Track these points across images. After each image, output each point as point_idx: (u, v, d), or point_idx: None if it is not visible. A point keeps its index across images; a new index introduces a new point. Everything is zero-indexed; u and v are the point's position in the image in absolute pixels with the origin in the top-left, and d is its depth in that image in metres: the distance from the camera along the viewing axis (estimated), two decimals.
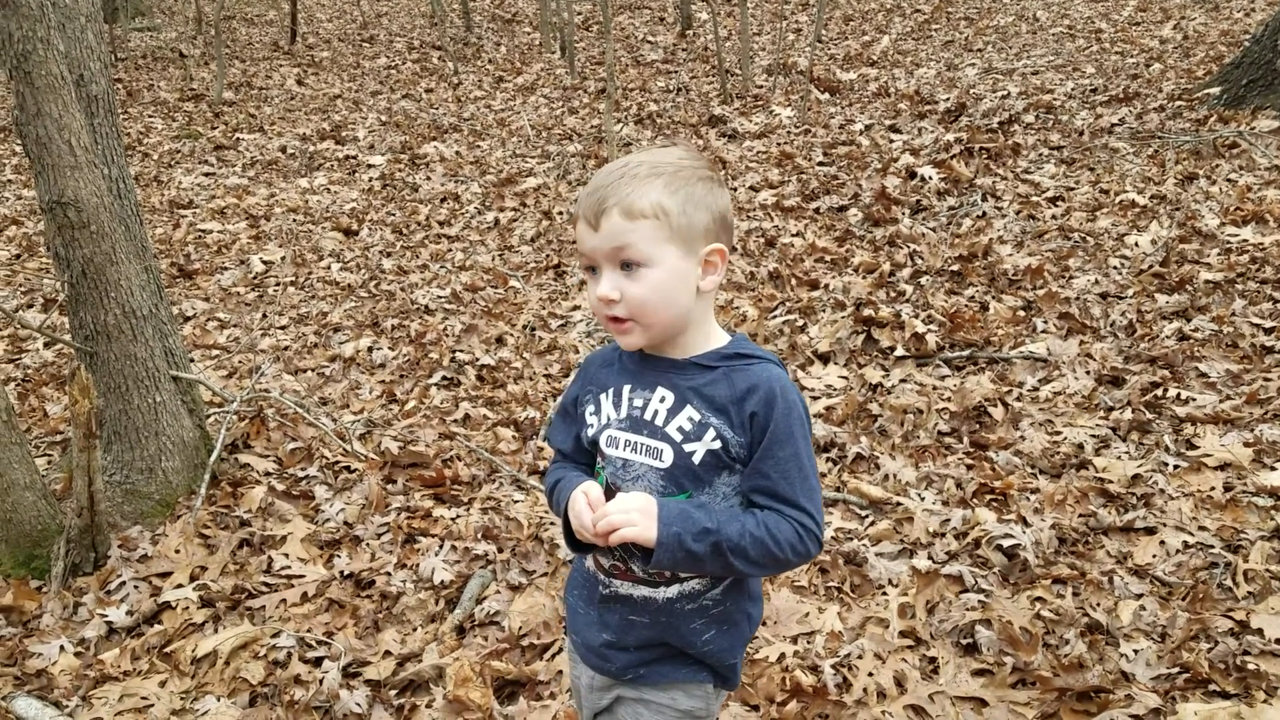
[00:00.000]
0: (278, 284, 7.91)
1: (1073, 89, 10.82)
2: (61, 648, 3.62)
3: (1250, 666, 3.12)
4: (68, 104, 3.85)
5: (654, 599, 1.98)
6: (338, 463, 4.85)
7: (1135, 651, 3.26)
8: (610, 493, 1.92)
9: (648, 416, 1.91)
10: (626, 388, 1.96)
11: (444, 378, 5.90)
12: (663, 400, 1.90)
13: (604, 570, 2.02)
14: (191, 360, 5.00)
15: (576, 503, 1.86)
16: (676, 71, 14.86)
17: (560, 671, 3.40)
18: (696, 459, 1.87)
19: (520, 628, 3.63)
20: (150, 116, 13.96)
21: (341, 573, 4.03)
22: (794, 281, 6.70)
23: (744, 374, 1.88)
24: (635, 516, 1.79)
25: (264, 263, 8.35)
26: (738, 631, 2.04)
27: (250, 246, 8.83)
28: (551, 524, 4.28)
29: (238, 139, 12.76)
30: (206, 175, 11.24)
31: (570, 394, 2.11)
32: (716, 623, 2.01)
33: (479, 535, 4.22)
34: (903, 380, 5.30)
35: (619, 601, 2.02)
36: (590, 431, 2.00)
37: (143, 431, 4.30)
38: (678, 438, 1.88)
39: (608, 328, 1.89)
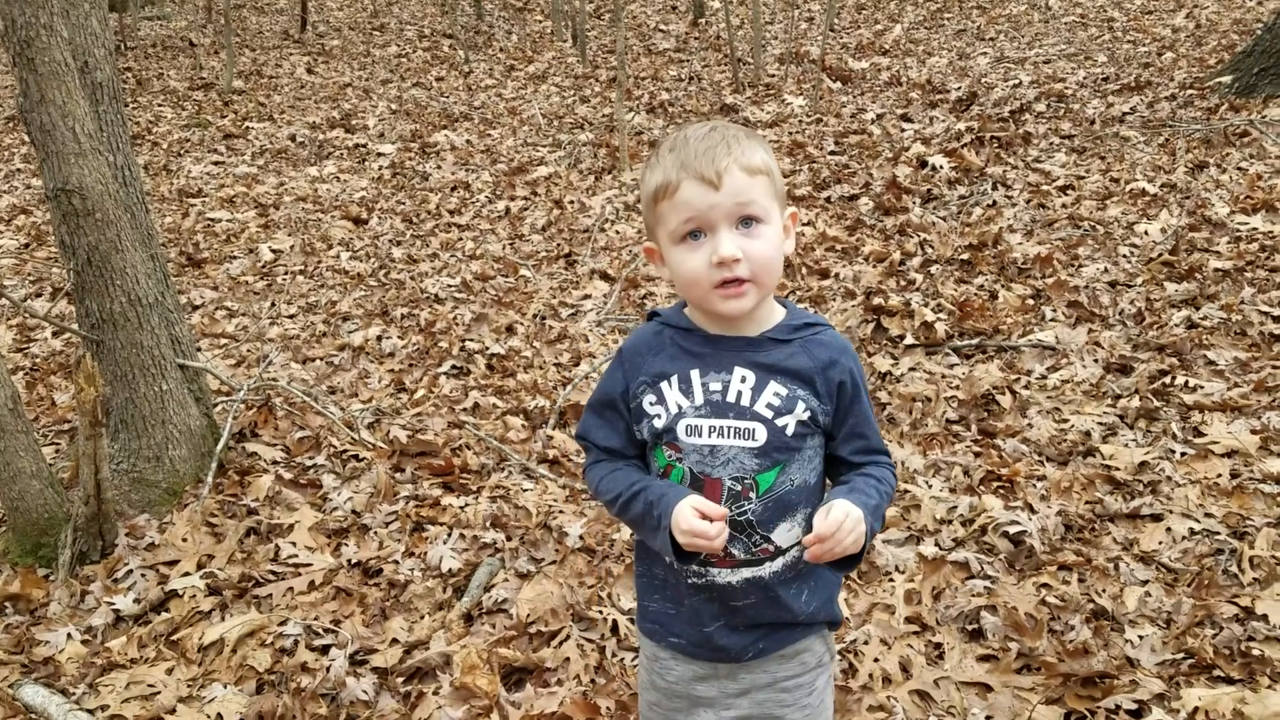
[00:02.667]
0: (286, 273, 7.93)
1: (1084, 78, 10.77)
2: (69, 636, 3.64)
3: (1255, 652, 3.12)
4: (71, 91, 3.85)
5: (760, 577, 1.94)
6: (346, 451, 4.86)
7: (1140, 637, 3.26)
8: (698, 482, 1.89)
9: (731, 399, 1.88)
10: (694, 372, 1.90)
11: (453, 366, 5.91)
12: (744, 380, 1.87)
13: (697, 561, 1.94)
14: (199, 349, 5.01)
15: (689, 521, 1.78)
16: (688, 60, 14.84)
17: (568, 659, 3.40)
18: (789, 431, 1.86)
19: (528, 615, 3.64)
20: (160, 105, 13.97)
21: (349, 561, 4.04)
22: (804, 270, 6.70)
23: (820, 345, 1.91)
24: (860, 528, 1.77)
25: (273, 251, 8.37)
26: (828, 577, 2.03)
27: (259, 235, 8.85)
28: (560, 512, 4.28)
29: (247, 128, 12.77)
30: (216, 164, 11.25)
31: (613, 387, 2.01)
32: (806, 581, 1.99)
33: (487, 523, 4.22)
34: (912, 369, 5.29)
35: (716, 590, 1.96)
36: (658, 423, 1.92)
37: (149, 420, 4.31)
38: (769, 415, 1.86)
39: (716, 294, 1.82)
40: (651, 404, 1.93)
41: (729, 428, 1.87)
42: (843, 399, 1.90)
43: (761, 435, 1.86)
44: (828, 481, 2.00)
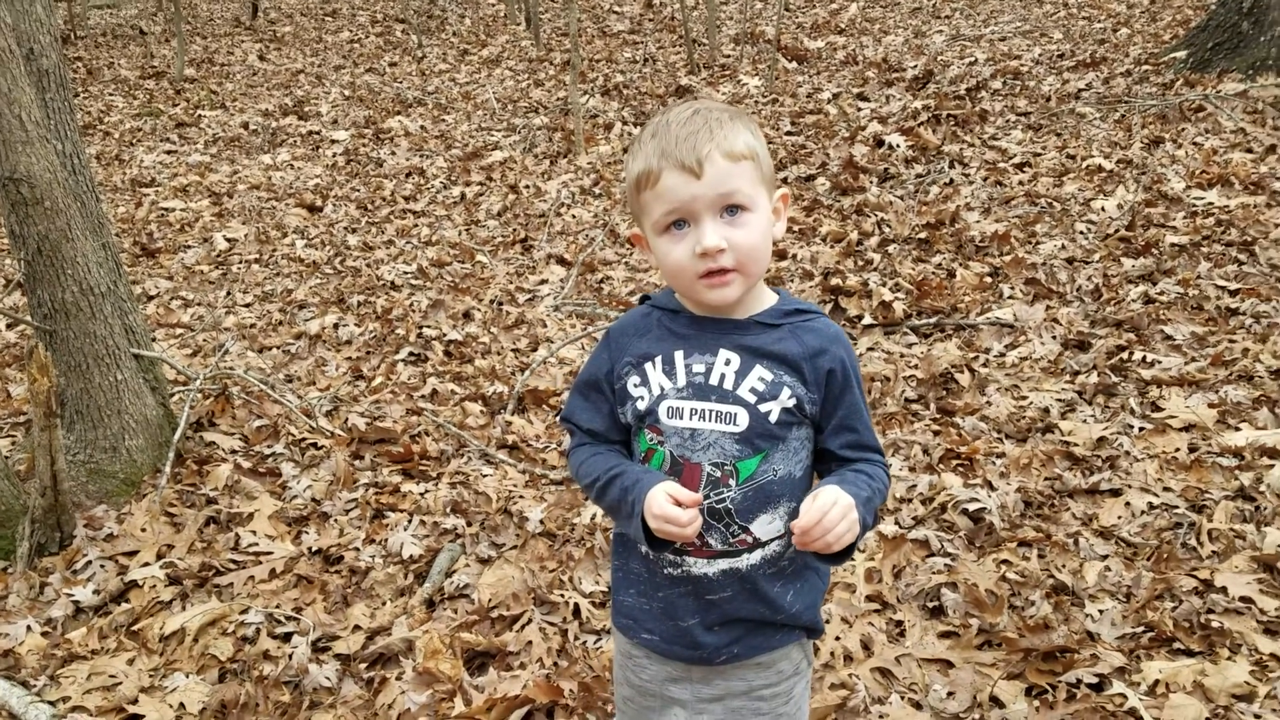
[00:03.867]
0: (241, 261, 7.86)
1: (1040, 55, 10.83)
2: (28, 628, 3.59)
3: (1214, 625, 3.15)
4: (17, 78, 3.79)
5: (736, 569, 1.89)
6: (304, 440, 4.82)
7: (1100, 612, 3.28)
8: (677, 466, 1.84)
9: (714, 381, 1.83)
10: (678, 354, 1.87)
11: (411, 353, 5.88)
12: (728, 363, 1.83)
13: (672, 550, 1.90)
14: (154, 338, 4.96)
15: (661, 506, 1.74)
16: (643, 42, 14.80)
17: (530, 642, 3.39)
18: (773, 418, 1.82)
19: (490, 600, 3.63)
20: (111, 94, 13.80)
21: (310, 549, 4.01)
22: None
23: (810, 331, 1.86)
24: (852, 515, 1.72)
25: (227, 240, 8.29)
26: (815, 581, 1.99)
27: (213, 224, 8.76)
28: (520, 497, 4.27)
29: (199, 116, 12.64)
30: (168, 153, 11.13)
31: (597, 369, 1.97)
32: (793, 581, 1.95)
33: (448, 510, 4.20)
34: (870, 348, 5.31)
35: (692, 582, 1.91)
36: (641, 405, 1.88)
37: (105, 410, 4.26)
38: (751, 399, 1.82)
39: (701, 284, 1.79)
40: (635, 385, 1.90)
41: (710, 410, 1.83)
42: (831, 388, 1.85)
43: (743, 420, 1.82)
44: (816, 477, 1.95)
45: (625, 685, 2.13)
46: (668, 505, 1.74)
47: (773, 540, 1.89)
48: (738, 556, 1.88)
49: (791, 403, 1.82)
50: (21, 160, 3.81)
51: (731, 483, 1.83)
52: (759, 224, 1.78)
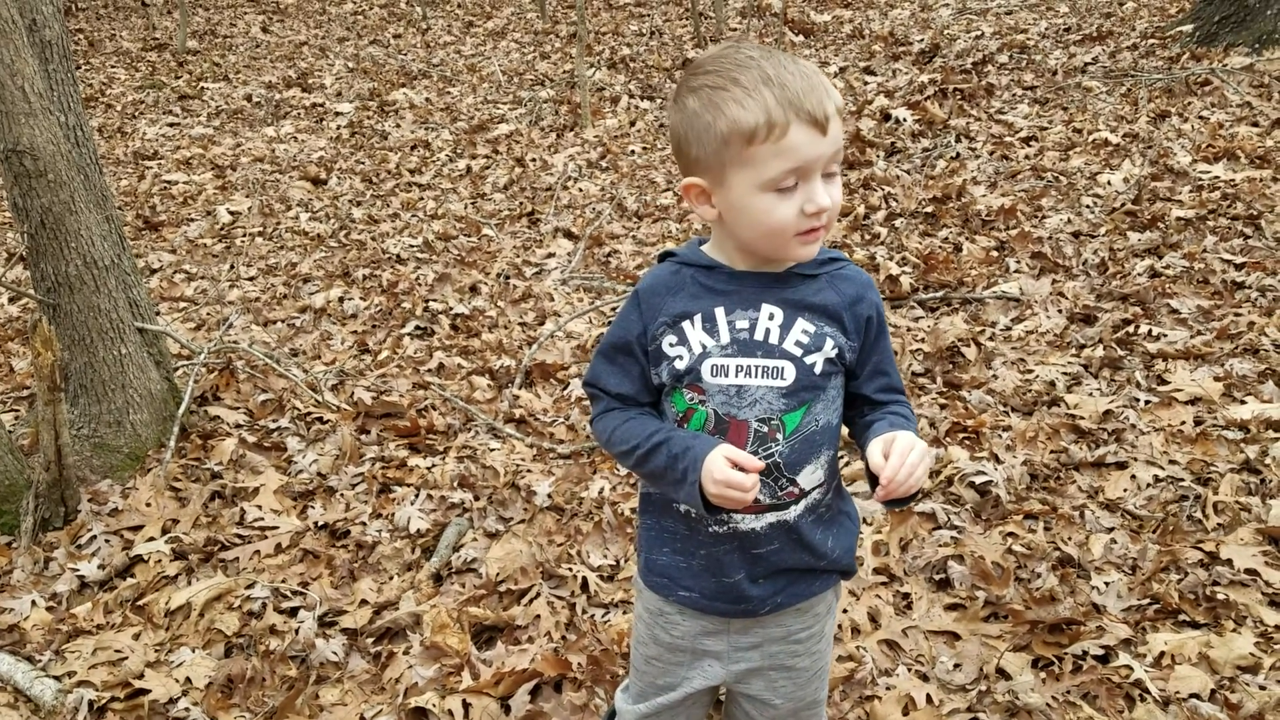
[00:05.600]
0: (245, 235, 7.84)
1: (1046, 28, 10.76)
2: (33, 603, 3.60)
3: (1220, 596, 3.15)
4: (19, 49, 3.77)
5: (784, 521, 1.88)
6: (310, 414, 4.82)
7: (1106, 584, 3.28)
8: (722, 425, 1.82)
9: (759, 337, 1.80)
10: (719, 310, 1.81)
11: (417, 327, 5.86)
12: (772, 317, 1.80)
13: (724, 512, 1.88)
14: (158, 312, 4.95)
15: (724, 472, 1.71)
16: (649, 14, 14.73)
17: (538, 616, 3.39)
18: (818, 369, 1.81)
19: (498, 574, 3.63)
20: (113, 67, 13.76)
21: (316, 523, 4.01)
22: None
23: (846, 280, 1.85)
24: (929, 456, 1.72)
25: (231, 213, 8.26)
26: (849, 525, 2.01)
27: (217, 197, 8.74)
28: (528, 471, 4.27)
29: (202, 88, 12.59)
30: (171, 126, 11.09)
31: (627, 330, 1.90)
32: (831, 526, 1.96)
33: (455, 484, 4.20)
34: None
35: (739, 538, 1.90)
36: (680, 364, 1.83)
37: (109, 384, 4.26)
38: (798, 352, 1.80)
39: (795, 242, 1.73)
40: (672, 345, 1.84)
41: (757, 366, 1.80)
42: (868, 335, 1.86)
43: (790, 374, 1.80)
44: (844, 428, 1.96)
45: (651, 644, 2.11)
46: (729, 471, 1.71)
47: (814, 489, 1.90)
48: (785, 509, 1.88)
49: (834, 353, 1.82)
50: (25, 133, 3.80)
51: (779, 437, 1.82)
52: (840, 182, 1.74)
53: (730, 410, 1.82)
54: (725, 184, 1.73)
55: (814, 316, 1.81)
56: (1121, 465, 3.89)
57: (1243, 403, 4.17)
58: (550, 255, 6.93)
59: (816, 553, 1.94)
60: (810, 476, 1.87)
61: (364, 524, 3.99)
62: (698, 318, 1.83)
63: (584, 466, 4.26)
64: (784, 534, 1.90)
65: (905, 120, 8.26)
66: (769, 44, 10.67)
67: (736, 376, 1.81)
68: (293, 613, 3.52)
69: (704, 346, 1.82)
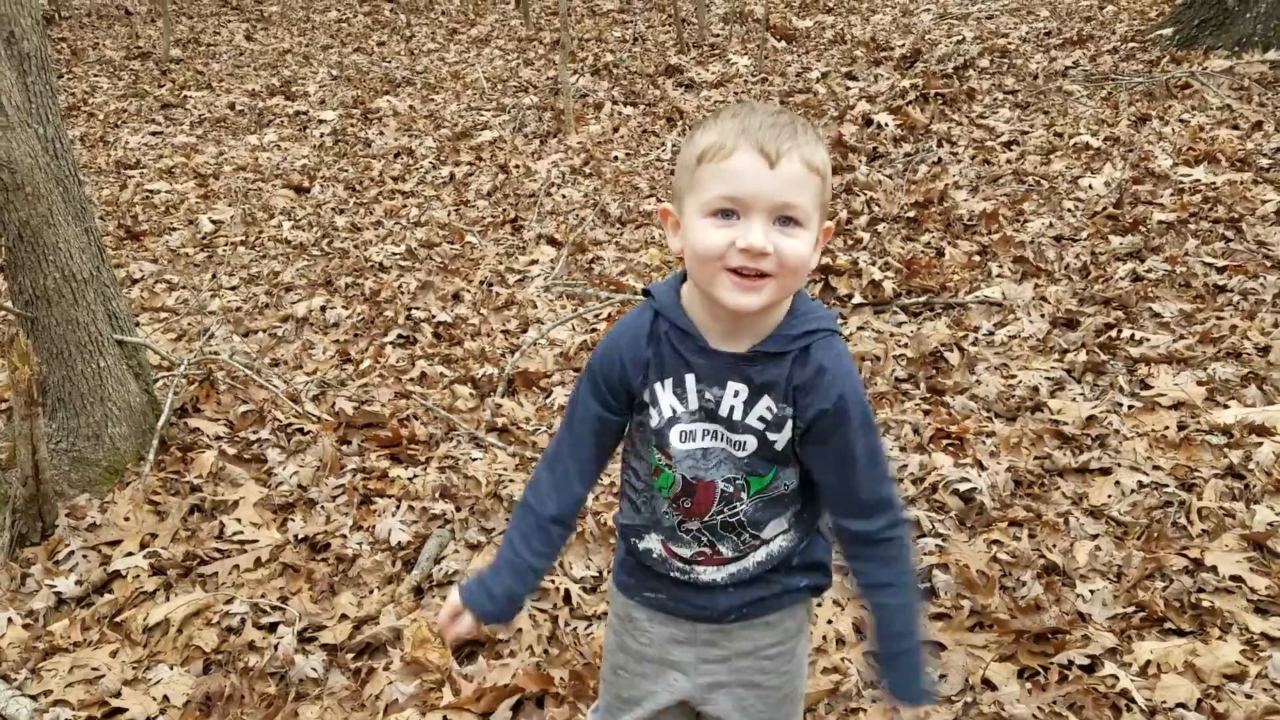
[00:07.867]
0: (227, 244, 7.79)
1: (1027, 33, 10.79)
2: (9, 620, 3.55)
3: (1205, 604, 3.14)
4: None
5: (745, 568, 1.92)
6: (291, 425, 4.78)
7: (1091, 592, 3.27)
8: (690, 488, 1.84)
9: (724, 412, 1.79)
10: (689, 378, 1.79)
11: (399, 336, 5.83)
12: (736, 395, 1.78)
13: (682, 560, 1.92)
14: (137, 323, 4.91)
15: (443, 614, 2.06)
16: (633, 21, 14.71)
17: (520, 630, 3.37)
18: (779, 446, 1.79)
19: None
20: (95, 76, 13.68)
21: (296, 536, 3.98)
22: None
23: (808, 360, 1.75)
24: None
25: (213, 222, 8.21)
26: (820, 543, 2.01)
27: (199, 206, 8.68)
28: (510, 481, 4.24)
29: (185, 97, 12.52)
30: (154, 134, 11.03)
31: (606, 364, 1.87)
32: (800, 564, 1.98)
33: (437, 495, 4.17)
34: (860, 328, 5.29)
35: (700, 587, 1.94)
36: (653, 424, 1.83)
37: (88, 397, 4.22)
38: (760, 427, 1.78)
39: (726, 279, 1.66)
40: (649, 399, 1.84)
41: (720, 433, 1.81)
42: (818, 428, 1.77)
43: (752, 445, 1.80)
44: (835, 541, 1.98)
45: (619, 653, 2.12)
46: (445, 616, 2.03)
47: (779, 535, 1.91)
48: (745, 557, 1.91)
49: (795, 434, 1.80)
50: (1, 146, 3.76)
51: (744, 496, 1.84)
52: (807, 241, 1.67)
53: (697, 473, 1.84)
54: (682, 207, 1.74)
55: (778, 397, 1.77)
56: (1105, 471, 3.88)
57: (1226, 407, 4.17)
58: (534, 262, 6.91)
59: (784, 585, 1.97)
60: (775, 528, 1.90)
61: (344, 536, 3.96)
62: (669, 381, 1.82)
63: None
64: (745, 580, 1.94)
65: (887, 125, 8.26)
66: (757, 47, 10.68)
67: (703, 440, 1.82)
68: (272, 628, 3.49)
69: (674, 411, 1.82)
